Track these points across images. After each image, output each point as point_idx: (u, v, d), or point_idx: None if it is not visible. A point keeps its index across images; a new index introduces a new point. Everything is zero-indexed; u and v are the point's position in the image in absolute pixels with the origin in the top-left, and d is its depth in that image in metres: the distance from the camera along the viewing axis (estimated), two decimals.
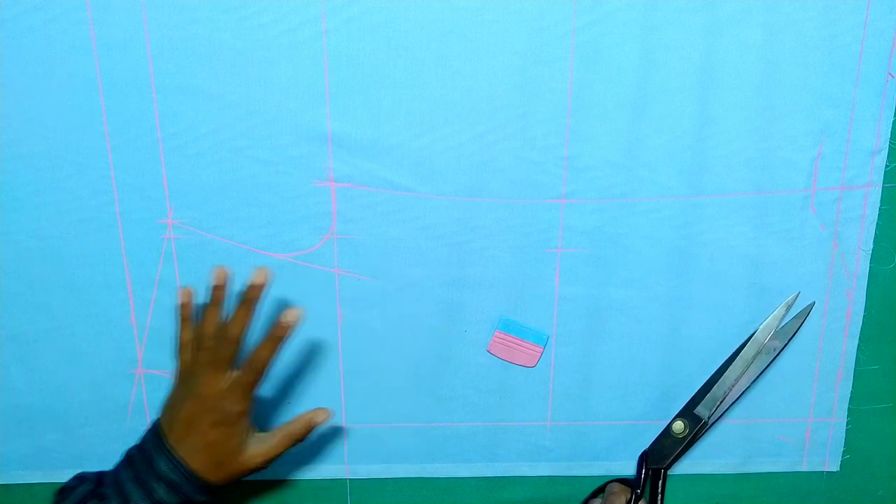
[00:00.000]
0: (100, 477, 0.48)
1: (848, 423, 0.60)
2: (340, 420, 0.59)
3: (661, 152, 0.52)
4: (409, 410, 0.58)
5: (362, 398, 0.58)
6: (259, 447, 0.49)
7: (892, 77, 0.50)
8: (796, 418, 0.59)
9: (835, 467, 0.61)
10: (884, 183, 0.53)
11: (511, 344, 0.56)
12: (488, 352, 0.57)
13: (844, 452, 0.61)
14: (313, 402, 0.58)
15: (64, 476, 0.50)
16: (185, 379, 0.49)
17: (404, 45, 0.49)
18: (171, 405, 0.49)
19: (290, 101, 0.50)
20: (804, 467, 0.61)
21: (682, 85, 0.50)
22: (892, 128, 0.52)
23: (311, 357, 0.57)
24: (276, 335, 0.46)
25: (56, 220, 0.53)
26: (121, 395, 0.57)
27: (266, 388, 0.57)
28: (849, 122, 0.51)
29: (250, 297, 0.46)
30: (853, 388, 0.58)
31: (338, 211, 0.53)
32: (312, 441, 0.59)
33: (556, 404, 0.58)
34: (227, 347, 0.47)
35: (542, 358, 0.57)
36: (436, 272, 0.54)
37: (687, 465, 0.60)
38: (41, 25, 0.48)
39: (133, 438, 0.49)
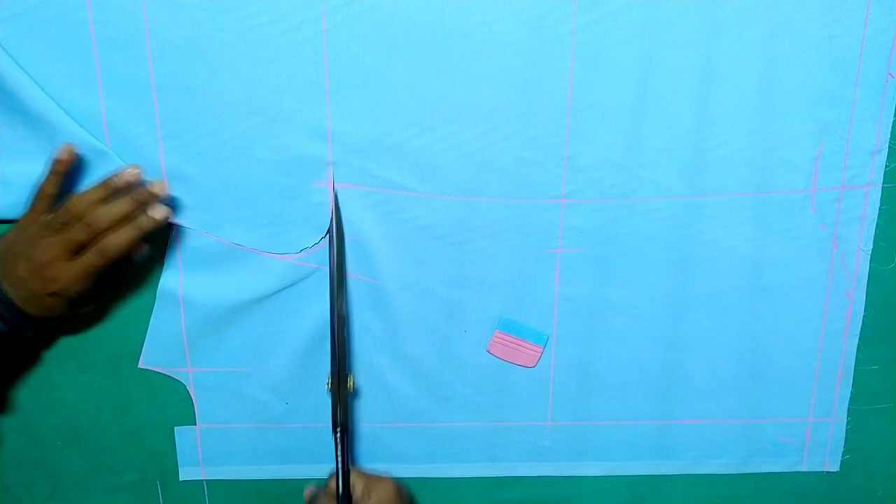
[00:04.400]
0: None
1: (848, 423, 0.60)
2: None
3: (661, 152, 0.52)
4: (409, 410, 0.58)
5: (362, 398, 0.58)
6: (68, 270, 0.47)
7: (892, 77, 0.50)
8: (796, 418, 0.59)
9: (835, 467, 0.61)
10: (884, 183, 0.53)
11: (511, 344, 0.56)
12: (488, 352, 0.57)
13: (844, 452, 0.61)
14: (313, 401, 0.58)
15: None
16: (26, 227, 0.48)
17: (404, 45, 0.49)
18: (6, 246, 0.49)
19: (290, 101, 0.50)
20: (804, 467, 0.61)
21: (682, 85, 0.50)
22: (892, 128, 0.52)
23: (310, 357, 0.57)
24: (138, 199, 0.47)
25: None
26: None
27: (266, 388, 0.57)
28: (849, 122, 0.51)
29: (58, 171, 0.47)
30: (853, 388, 0.58)
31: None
32: (312, 441, 0.59)
33: (556, 404, 0.58)
34: (83, 231, 0.46)
35: (542, 358, 0.57)
36: (436, 272, 0.54)
37: (687, 465, 0.60)
38: (41, 25, 0.48)
39: None
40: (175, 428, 0.59)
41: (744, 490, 0.62)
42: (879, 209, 0.54)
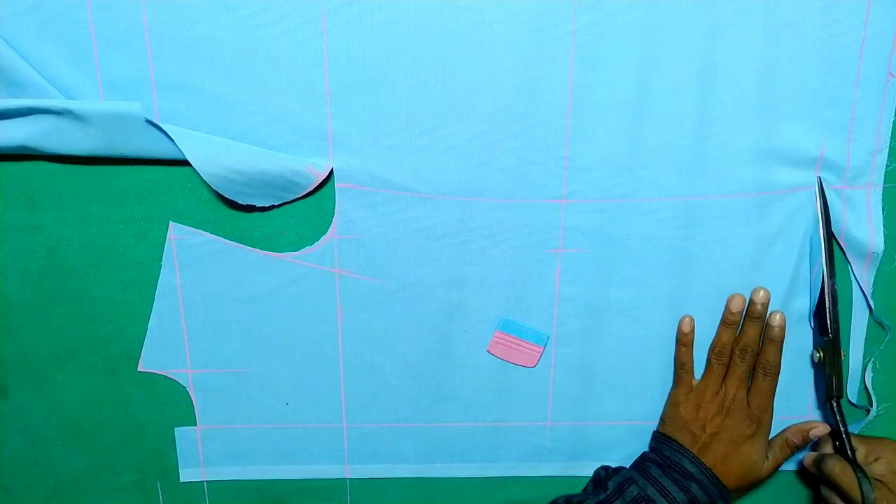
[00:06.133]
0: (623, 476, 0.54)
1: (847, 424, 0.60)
2: (340, 420, 0.59)
3: (661, 152, 0.52)
4: (409, 410, 0.58)
5: (362, 398, 0.58)
6: (768, 460, 0.54)
7: (893, 77, 0.50)
8: (796, 418, 0.59)
9: None
10: (884, 183, 0.53)
11: (511, 344, 0.56)
12: (488, 352, 0.57)
13: None
14: (313, 401, 0.58)
15: None
16: (708, 385, 0.54)
17: (404, 45, 0.49)
18: (684, 412, 0.54)
19: (290, 101, 0.50)
20: None
21: (682, 85, 0.50)
22: (892, 128, 0.52)
23: (311, 357, 0.57)
24: (775, 336, 0.53)
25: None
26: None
27: (266, 388, 0.57)
28: (849, 123, 0.51)
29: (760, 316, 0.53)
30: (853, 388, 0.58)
31: (338, 211, 0.53)
32: (312, 441, 0.59)
33: (556, 404, 0.58)
34: (748, 362, 0.53)
35: (542, 358, 0.57)
36: (436, 272, 0.54)
37: None
38: (41, 25, 0.48)
39: None
40: (175, 429, 0.59)
41: None
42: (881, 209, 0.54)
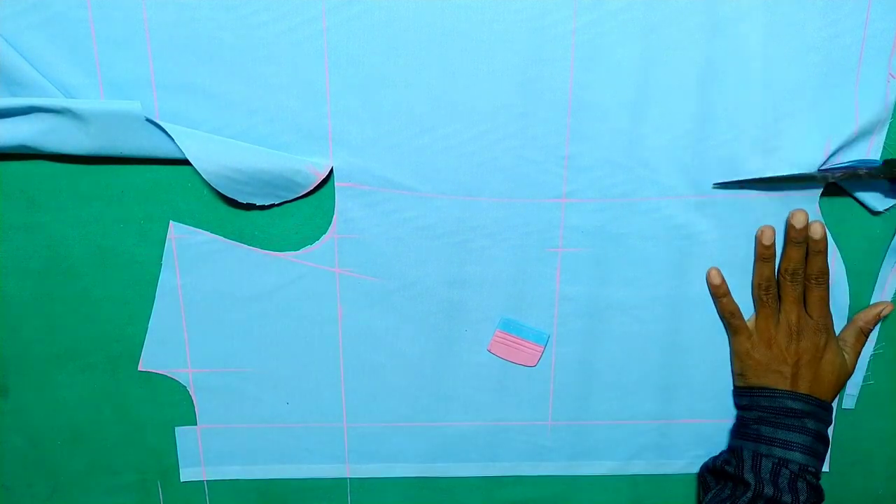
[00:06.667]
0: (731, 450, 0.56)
1: (848, 423, 0.60)
2: (340, 420, 0.59)
3: (661, 152, 0.52)
4: (409, 410, 0.58)
5: (362, 398, 0.58)
6: (849, 355, 0.55)
7: (893, 77, 0.50)
8: None
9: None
10: None
11: (511, 343, 0.56)
12: (488, 351, 0.57)
13: (845, 452, 0.61)
14: (313, 401, 0.58)
15: None
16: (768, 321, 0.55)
17: (404, 45, 0.49)
18: (759, 355, 0.55)
19: (290, 101, 0.50)
20: None
21: (682, 84, 0.50)
22: (893, 128, 0.52)
23: (311, 357, 0.57)
24: (821, 247, 0.52)
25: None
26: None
27: (266, 387, 0.57)
28: (848, 123, 0.51)
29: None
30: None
31: (338, 210, 0.53)
32: (312, 441, 0.59)
33: (557, 404, 0.58)
34: (800, 282, 0.54)
35: (543, 357, 0.57)
36: (436, 271, 0.54)
37: (687, 465, 0.60)
38: (41, 24, 0.48)
39: None
40: (176, 428, 0.59)
41: None
42: None
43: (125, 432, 0.59)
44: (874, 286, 0.56)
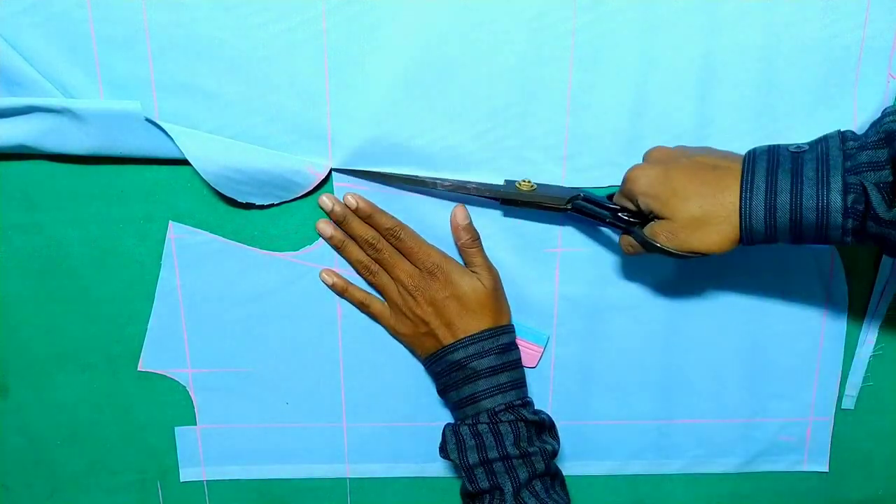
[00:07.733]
0: None
1: (848, 423, 0.60)
2: (340, 420, 0.59)
3: None
4: (409, 410, 0.58)
5: (362, 398, 0.58)
6: (476, 272, 0.53)
7: (893, 77, 0.50)
8: (796, 418, 0.59)
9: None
10: None
11: None
12: None
13: (844, 452, 0.61)
14: (313, 401, 0.58)
15: None
16: None
17: (404, 45, 0.49)
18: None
19: (289, 101, 0.50)
20: (804, 467, 0.61)
21: (682, 85, 0.50)
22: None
23: (310, 357, 0.57)
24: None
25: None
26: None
27: (266, 387, 0.57)
28: (849, 123, 0.51)
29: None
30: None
31: None
32: (312, 441, 0.59)
33: (557, 404, 0.58)
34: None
35: (543, 358, 0.57)
36: None
37: (687, 465, 0.60)
38: (41, 24, 0.48)
39: None
40: (176, 428, 0.59)
41: (744, 490, 0.62)
42: None
43: (125, 432, 0.59)
44: (874, 286, 0.56)
